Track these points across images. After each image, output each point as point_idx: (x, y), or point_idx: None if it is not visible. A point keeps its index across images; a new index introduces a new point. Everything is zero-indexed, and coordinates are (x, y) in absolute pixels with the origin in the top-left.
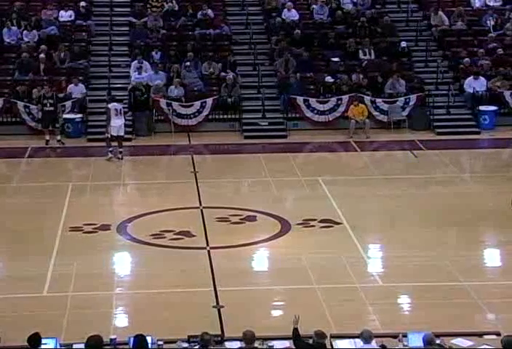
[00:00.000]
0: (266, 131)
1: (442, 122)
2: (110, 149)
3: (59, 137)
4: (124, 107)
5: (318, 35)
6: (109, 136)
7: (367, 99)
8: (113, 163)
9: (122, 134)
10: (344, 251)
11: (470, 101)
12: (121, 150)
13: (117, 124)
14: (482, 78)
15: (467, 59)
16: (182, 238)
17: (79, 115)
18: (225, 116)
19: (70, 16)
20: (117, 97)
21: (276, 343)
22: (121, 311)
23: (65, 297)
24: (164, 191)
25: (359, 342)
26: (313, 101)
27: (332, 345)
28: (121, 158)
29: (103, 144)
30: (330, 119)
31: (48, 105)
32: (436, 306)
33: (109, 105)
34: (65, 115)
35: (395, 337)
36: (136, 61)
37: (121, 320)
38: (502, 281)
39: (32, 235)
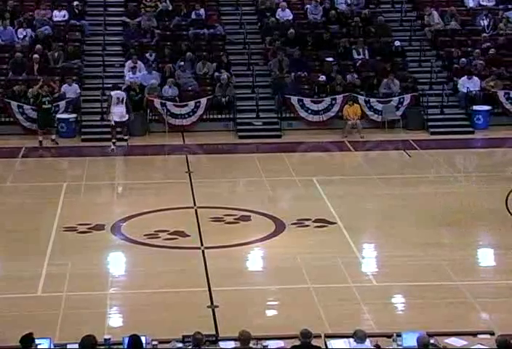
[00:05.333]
0: (260, 131)
1: (436, 122)
2: (114, 140)
3: (53, 137)
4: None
5: (312, 35)
6: (113, 123)
7: (361, 99)
8: (107, 161)
9: (125, 119)
10: (338, 251)
11: (464, 101)
12: (126, 137)
13: (117, 112)
14: (476, 78)
15: (463, 59)
16: (176, 238)
17: (73, 115)
18: (220, 116)
19: (64, 16)
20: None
21: (270, 343)
22: (115, 311)
23: (60, 297)
24: (158, 191)
25: (354, 342)
26: (307, 101)
27: (326, 345)
28: (127, 140)
29: (97, 144)
30: (324, 119)
31: (46, 102)
32: (430, 306)
33: (112, 93)
34: (59, 115)
35: (389, 336)
36: (130, 61)
37: (115, 320)
38: (496, 281)
39: (26, 235)
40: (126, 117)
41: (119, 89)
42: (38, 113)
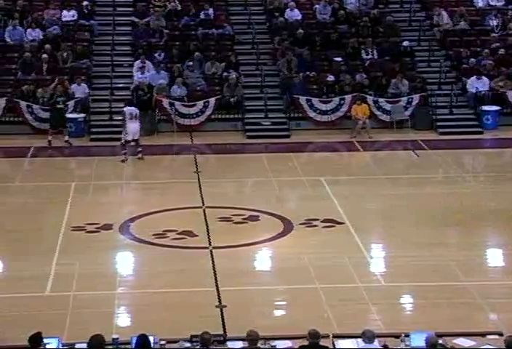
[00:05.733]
0: (269, 131)
1: (445, 122)
2: (125, 151)
3: (67, 138)
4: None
5: (321, 35)
6: (123, 142)
7: (370, 99)
8: (116, 161)
9: (137, 137)
10: (346, 251)
11: (473, 101)
12: (140, 149)
13: (132, 129)
14: (485, 78)
15: (472, 59)
16: (184, 238)
17: (82, 115)
18: (228, 116)
19: (73, 16)
20: (120, 97)
21: (278, 343)
22: (123, 311)
23: (68, 297)
24: (166, 191)
25: (362, 342)
26: (315, 101)
27: (334, 345)
28: (142, 158)
29: (106, 144)
30: (333, 119)
31: (60, 102)
32: (438, 306)
33: (124, 109)
34: (68, 115)
35: (397, 336)
36: (139, 61)
37: (123, 319)
38: (504, 281)
39: (34, 235)
40: (138, 135)
41: (132, 105)
42: (52, 112)
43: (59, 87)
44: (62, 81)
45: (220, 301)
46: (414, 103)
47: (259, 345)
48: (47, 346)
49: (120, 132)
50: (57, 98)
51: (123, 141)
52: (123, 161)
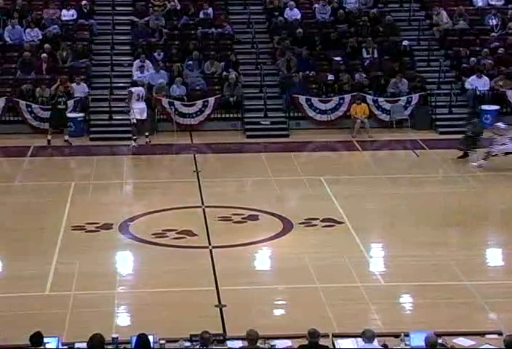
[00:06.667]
0: (268, 131)
1: (444, 121)
2: (135, 137)
3: (66, 137)
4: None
5: (321, 35)
6: (134, 121)
7: (369, 98)
8: (115, 160)
9: (145, 117)
10: (346, 250)
11: (472, 100)
12: (147, 134)
13: (139, 108)
14: (484, 78)
15: (473, 58)
16: (184, 238)
17: (81, 114)
18: (227, 115)
19: (73, 15)
20: (119, 96)
21: (278, 342)
22: (123, 310)
23: (68, 296)
24: (166, 190)
25: (361, 342)
26: (315, 100)
27: (334, 345)
28: (149, 142)
29: (105, 143)
30: (332, 118)
31: (62, 103)
32: (437, 305)
33: (132, 89)
34: (68, 114)
35: (397, 336)
36: (138, 60)
37: (123, 319)
38: (504, 281)
39: (34, 234)
40: (146, 115)
41: (139, 85)
42: (52, 112)
43: (60, 87)
44: (64, 81)
45: (219, 300)
46: (413, 103)
47: (258, 344)
48: (47, 345)
49: (120, 132)
50: (58, 99)
51: (133, 121)
52: (132, 147)
